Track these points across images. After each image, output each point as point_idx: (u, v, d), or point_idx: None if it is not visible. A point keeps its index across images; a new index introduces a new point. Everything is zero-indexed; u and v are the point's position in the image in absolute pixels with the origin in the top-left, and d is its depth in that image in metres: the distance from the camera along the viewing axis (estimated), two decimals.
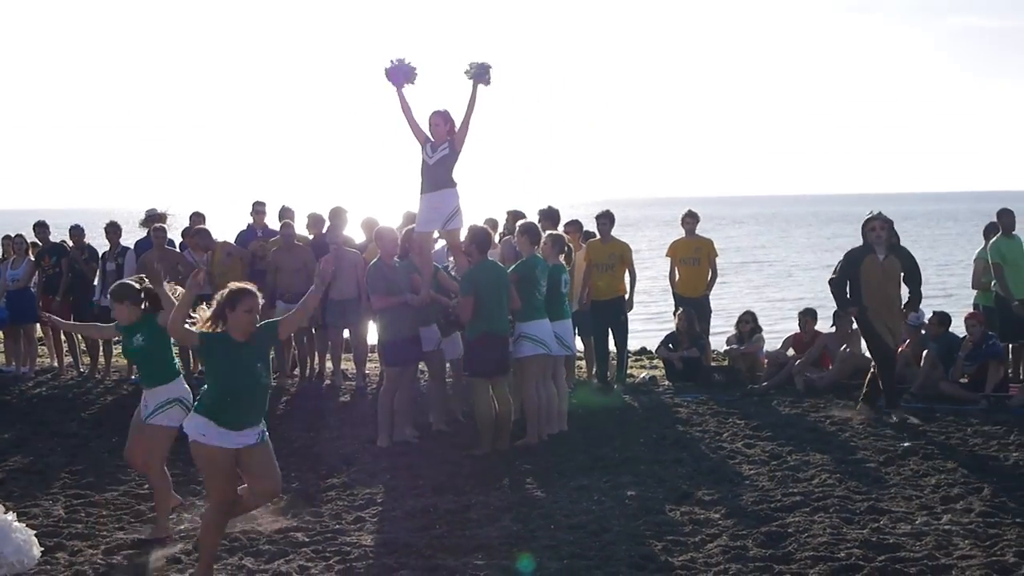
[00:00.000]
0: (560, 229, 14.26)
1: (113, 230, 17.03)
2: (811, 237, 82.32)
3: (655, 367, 17.54)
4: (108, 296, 16.24)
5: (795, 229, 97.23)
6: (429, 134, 12.26)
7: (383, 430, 12.39)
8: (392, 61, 12.28)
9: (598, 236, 15.93)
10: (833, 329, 15.84)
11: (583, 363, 16.91)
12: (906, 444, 11.81)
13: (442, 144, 12.20)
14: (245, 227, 17.30)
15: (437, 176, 12.24)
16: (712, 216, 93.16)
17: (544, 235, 12.76)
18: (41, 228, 17.80)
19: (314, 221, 16.36)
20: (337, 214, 16.08)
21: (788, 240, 79.25)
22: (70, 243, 17.53)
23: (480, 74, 12.18)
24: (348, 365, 16.67)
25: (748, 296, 35.47)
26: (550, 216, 14.76)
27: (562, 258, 12.92)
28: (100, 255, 16.97)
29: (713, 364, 16.87)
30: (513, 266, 12.42)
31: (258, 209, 17.23)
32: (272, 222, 17.08)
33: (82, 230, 17.38)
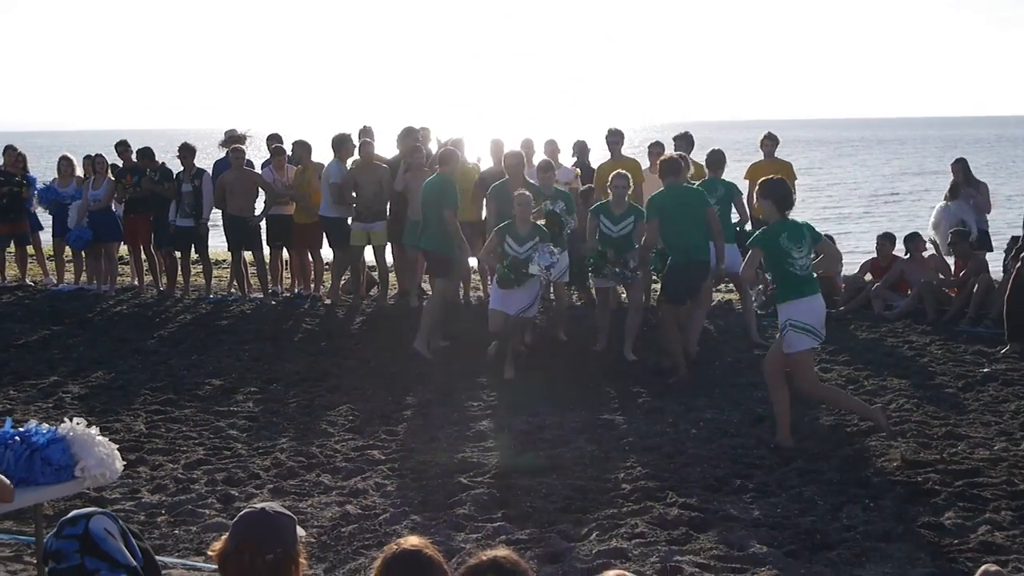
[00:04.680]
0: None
1: (186, 152, 17.11)
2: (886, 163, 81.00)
3: (731, 291, 17.39)
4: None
5: (869, 154, 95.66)
6: None
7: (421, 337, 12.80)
8: None
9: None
10: (908, 255, 15.68)
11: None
12: (986, 370, 11.68)
13: None
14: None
15: None
16: (789, 140, 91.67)
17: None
18: (123, 147, 17.94)
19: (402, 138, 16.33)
20: (422, 133, 16.06)
21: (863, 165, 78.01)
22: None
23: None
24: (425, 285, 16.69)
25: (827, 222, 35.10)
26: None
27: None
28: (175, 175, 17.06)
29: None
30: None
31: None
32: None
33: (152, 152, 17.51)
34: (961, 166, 16.25)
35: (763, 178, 9.69)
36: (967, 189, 15.94)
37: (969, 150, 63.40)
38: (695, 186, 12.52)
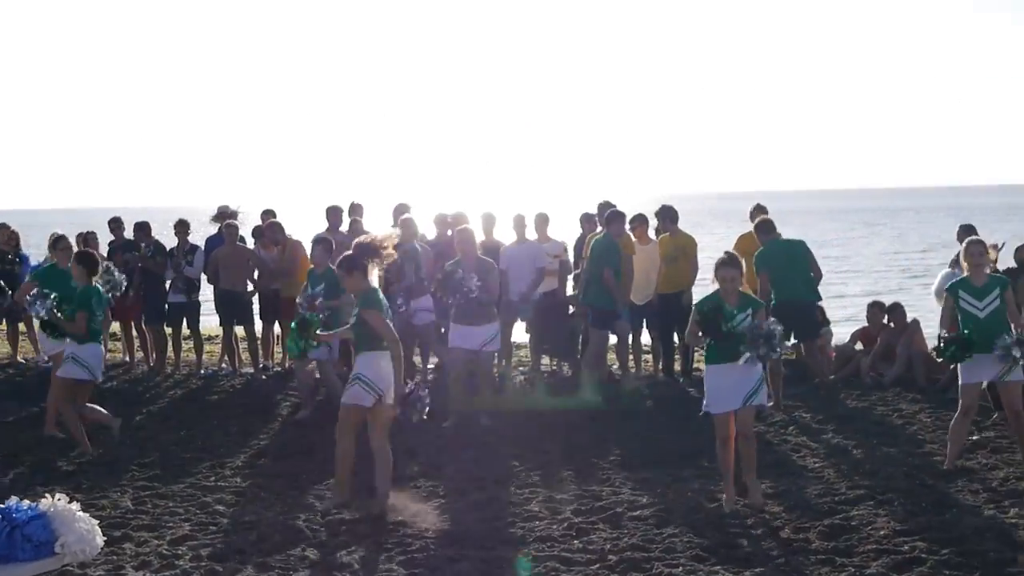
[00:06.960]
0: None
1: (182, 228, 17.19)
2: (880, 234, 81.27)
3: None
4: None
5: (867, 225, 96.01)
6: None
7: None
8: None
9: (666, 231, 15.85)
10: (892, 325, 15.67)
11: (650, 357, 16.84)
12: (975, 437, 11.65)
13: None
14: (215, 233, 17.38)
15: None
16: (782, 211, 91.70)
17: None
18: (115, 224, 17.95)
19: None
20: (399, 210, 15.94)
21: (860, 235, 78.21)
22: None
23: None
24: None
25: (867, 296, 34.77)
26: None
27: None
28: (169, 251, 17.09)
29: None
30: None
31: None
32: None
33: (148, 226, 17.51)
34: (967, 233, 14.55)
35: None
36: None
37: (984, 219, 63.28)
38: None
